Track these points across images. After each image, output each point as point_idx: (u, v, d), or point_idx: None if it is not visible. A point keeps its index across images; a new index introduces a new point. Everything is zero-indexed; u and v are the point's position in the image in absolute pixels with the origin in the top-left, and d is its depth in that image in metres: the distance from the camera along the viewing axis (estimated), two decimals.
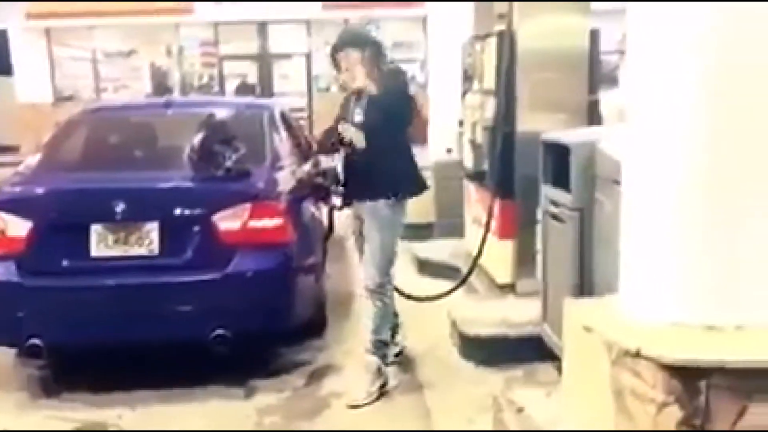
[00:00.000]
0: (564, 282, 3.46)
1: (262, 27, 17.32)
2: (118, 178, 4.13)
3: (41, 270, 3.85)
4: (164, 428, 3.55)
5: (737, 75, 2.14)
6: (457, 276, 5.06)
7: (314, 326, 4.50)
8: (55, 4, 15.61)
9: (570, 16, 4.52)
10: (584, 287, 3.34)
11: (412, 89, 3.96)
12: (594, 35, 4.61)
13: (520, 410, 3.11)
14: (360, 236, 4.02)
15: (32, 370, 4.25)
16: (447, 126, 6.76)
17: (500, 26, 4.68)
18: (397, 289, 4.47)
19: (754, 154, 2.17)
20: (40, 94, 16.08)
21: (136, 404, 3.80)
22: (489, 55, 4.91)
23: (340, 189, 3.94)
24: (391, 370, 4.02)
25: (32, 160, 4.48)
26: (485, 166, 4.99)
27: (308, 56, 17.37)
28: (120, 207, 3.81)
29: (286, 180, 4.30)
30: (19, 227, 3.86)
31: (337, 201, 4.25)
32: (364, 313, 3.95)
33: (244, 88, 15.64)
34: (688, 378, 2.04)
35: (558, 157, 3.56)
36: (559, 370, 3.02)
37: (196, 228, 3.87)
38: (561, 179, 3.52)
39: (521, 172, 4.48)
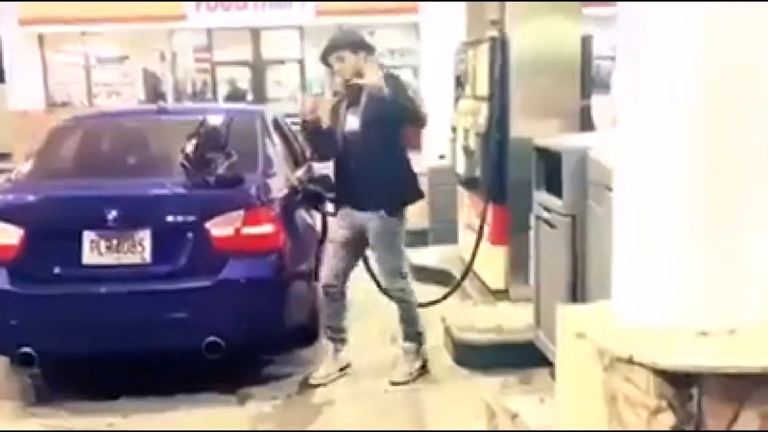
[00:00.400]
0: (557, 288, 3.46)
1: (256, 33, 17.32)
2: (110, 186, 4.11)
3: (33, 278, 3.83)
4: None
5: (729, 79, 2.14)
6: (451, 281, 5.06)
7: (307, 333, 4.49)
8: (48, 10, 15.58)
9: (562, 22, 4.55)
10: (577, 293, 3.34)
11: (412, 92, 4.01)
12: (586, 41, 4.63)
13: (514, 416, 3.11)
14: (345, 245, 4.07)
15: (24, 379, 4.23)
16: (440, 132, 6.77)
17: (492, 32, 4.70)
18: (390, 295, 4.48)
19: (747, 159, 2.18)
20: (32, 101, 16.02)
21: (129, 412, 3.78)
22: (481, 61, 4.93)
23: (332, 196, 4.02)
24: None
25: (24, 167, 4.46)
26: (478, 172, 5.00)
27: (301, 62, 17.37)
28: (112, 214, 3.80)
29: (278, 186, 4.29)
30: (10, 235, 3.84)
31: (330, 207, 4.29)
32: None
33: (235, 94, 15.55)
34: (680, 383, 2.04)
35: (550, 163, 3.57)
36: (553, 375, 3.03)
37: (189, 235, 3.86)
38: (553, 185, 3.53)
39: (514, 177, 4.50)
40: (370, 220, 3.99)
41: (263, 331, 3.95)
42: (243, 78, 17.55)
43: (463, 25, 5.97)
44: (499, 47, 4.55)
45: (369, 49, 4.05)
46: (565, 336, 2.55)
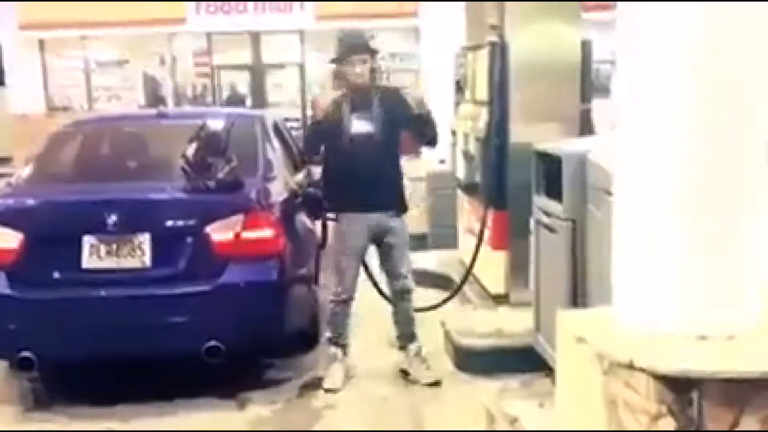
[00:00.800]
0: (557, 292, 3.46)
1: (256, 37, 17.33)
2: (110, 190, 4.11)
3: (33, 282, 3.82)
4: None
5: (728, 84, 2.15)
6: (451, 286, 5.06)
7: (307, 337, 4.49)
8: (49, 15, 15.60)
9: (562, 26, 4.56)
10: (577, 297, 3.34)
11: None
12: (586, 45, 4.64)
13: (513, 421, 3.11)
14: (361, 252, 4.12)
15: (23, 383, 4.22)
16: (440, 136, 6.77)
17: (492, 37, 4.71)
18: (390, 300, 4.48)
19: (747, 165, 2.18)
20: (32, 105, 16.03)
21: (128, 417, 3.77)
22: (481, 65, 4.93)
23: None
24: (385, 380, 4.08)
25: (24, 171, 4.45)
26: (478, 177, 5.00)
27: (301, 66, 17.39)
28: (112, 218, 3.80)
29: (278, 191, 4.29)
30: (10, 239, 3.84)
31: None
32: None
33: (234, 99, 15.51)
34: (680, 388, 2.04)
35: (550, 167, 3.58)
36: (553, 380, 3.02)
37: (189, 239, 3.85)
38: (553, 190, 3.53)
39: (514, 182, 4.50)
40: (392, 221, 4.06)
41: (263, 335, 3.95)
42: (243, 82, 17.58)
43: (463, 30, 5.98)
44: (499, 52, 4.56)
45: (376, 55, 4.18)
46: (565, 341, 2.55)
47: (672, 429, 2.04)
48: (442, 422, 3.66)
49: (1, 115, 15.64)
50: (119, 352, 3.85)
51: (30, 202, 4.15)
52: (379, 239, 4.10)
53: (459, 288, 4.82)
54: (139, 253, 3.84)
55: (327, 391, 4.00)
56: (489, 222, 4.65)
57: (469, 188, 5.32)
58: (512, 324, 4.26)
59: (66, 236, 3.85)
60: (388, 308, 4.51)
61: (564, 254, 3.39)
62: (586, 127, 4.65)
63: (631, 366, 2.12)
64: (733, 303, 2.24)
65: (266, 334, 3.96)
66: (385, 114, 3.99)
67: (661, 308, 2.26)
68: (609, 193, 2.70)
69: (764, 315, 2.23)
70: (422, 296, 5.02)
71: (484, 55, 4.83)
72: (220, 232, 3.83)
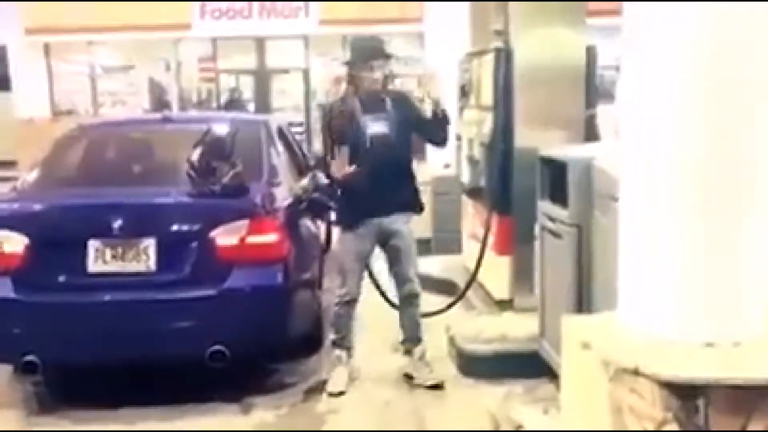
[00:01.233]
0: (562, 298, 3.46)
1: (260, 42, 17.38)
2: (115, 194, 4.11)
3: (38, 286, 3.82)
4: None
5: (732, 89, 2.15)
6: (455, 291, 5.06)
7: (311, 342, 4.48)
8: (54, 20, 15.66)
9: (567, 32, 4.56)
10: (582, 303, 3.34)
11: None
12: (591, 51, 4.64)
13: (518, 426, 3.10)
14: (367, 256, 4.12)
15: (28, 387, 4.22)
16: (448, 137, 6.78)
17: (497, 43, 4.71)
18: (394, 305, 4.48)
19: (753, 169, 2.18)
20: (38, 109, 16.09)
21: (133, 421, 3.77)
22: (486, 71, 4.94)
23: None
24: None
25: (29, 175, 4.46)
26: (483, 182, 5.00)
27: (306, 71, 17.43)
28: (117, 223, 3.80)
29: (283, 196, 4.29)
30: (15, 243, 3.84)
31: (335, 216, 4.30)
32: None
33: (234, 104, 15.46)
34: (686, 395, 2.04)
35: (555, 173, 3.57)
36: (558, 386, 3.01)
37: (194, 244, 3.86)
38: (558, 195, 3.53)
39: (518, 187, 4.50)
40: (400, 224, 4.07)
41: (268, 340, 3.94)
42: (247, 87, 17.63)
43: (468, 35, 5.99)
44: (504, 57, 4.56)
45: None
46: (570, 347, 2.55)
47: None
48: (445, 427, 3.65)
49: (7, 119, 15.69)
50: (124, 357, 3.85)
51: (35, 206, 4.16)
52: (384, 242, 4.10)
53: (463, 293, 4.81)
54: (144, 257, 3.84)
55: (330, 395, 4.00)
56: (493, 227, 4.64)
57: (474, 193, 5.32)
58: (516, 329, 4.25)
59: (71, 240, 3.85)
60: (392, 312, 4.52)
61: (569, 260, 3.39)
62: (590, 133, 4.65)
63: (636, 372, 2.11)
64: (738, 310, 2.24)
65: (271, 339, 3.96)
66: (398, 116, 4.01)
67: (667, 315, 2.26)
68: (615, 199, 2.70)
69: None
70: (426, 301, 4.99)
71: (488, 60, 4.84)
72: (225, 237, 3.83)
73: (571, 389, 2.57)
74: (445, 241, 6.41)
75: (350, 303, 4.11)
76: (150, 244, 3.84)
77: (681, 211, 2.22)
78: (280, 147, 4.87)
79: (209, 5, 16.44)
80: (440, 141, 4.22)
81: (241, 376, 4.08)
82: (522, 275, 4.50)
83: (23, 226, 3.89)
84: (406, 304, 4.19)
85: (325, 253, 5.32)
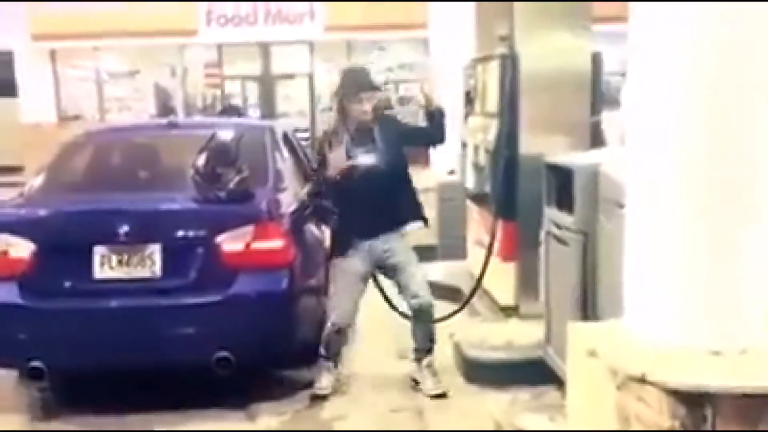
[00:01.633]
0: (568, 305, 3.45)
1: (265, 48, 17.43)
2: (121, 200, 4.12)
3: (44, 292, 3.83)
4: None
5: (738, 95, 2.15)
6: (460, 298, 5.04)
7: (316, 348, 4.47)
8: (60, 26, 15.74)
9: (572, 38, 4.55)
10: (588, 310, 3.33)
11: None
12: (596, 57, 4.64)
13: None
14: (363, 280, 4.12)
15: (34, 393, 4.23)
16: (449, 147, 6.78)
17: (502, 49, 4.71)
18: (400, 312, 4.47)
19: (759, 177, 2.17)
20: (44, 114, 16.16)
21: (138, 427, 3.77)
22: (491, 77, 4.93)
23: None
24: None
25: (36, 181, 4.47)
26: (488, 188, 4.99)
27: (311, 77, 17.47)
28: (123, 228, 3.81)
29: (288, 201, 4.29)
30: (22, 249, 3.85)
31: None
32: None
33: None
34: (694, 403, 2.03)
35: (561, 179, 3.57)
36: (564, 393, 3.00)
37: (199, 250, 3.86)
38: (564, 201, 3.52)
39: (524, 193, 4.49)
40: (393, 241, 4.07)
41: (273, 346, 3.94)
42: (252, 92, 17.68)
43: (473, 41, 5.99)
44: (509, 63, 4.56)
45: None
46: (576, 354, 2.54)
47: None
48: None
49: (14, 124, 15.77)
50: (129, 363, 3.85)
51: (42, 212, 4.16)
52: (381, 263, 4.10)
53: (468, 300, 4.79)
54: (150, 263, 3.84)
55: (316, 396, 4.04)
56: (498, 233, 4.63)
57: (479, 199, 5.32)
58: (522, 336, 4.24)
59: (77, 246, 3.86)
60: (397, 319, 4.51)
61: (575, 266, 3.38)
62: (596, 140, 4.64)
63: (643, 380, 2.11)
64: (745, 318, 2.23)
65: (276, 345, 3.95)
66: (387, 141, 4.03)
67: (673, 322, 2.26)
68: (621, 206, 2.70)
69: None
70: None
71: (494, 66, 4.84)
72: (230, 243, 3.83)
73: (577, 397, 2.56)
74: (450, 248, 6.40)
75: (340, 331, 4.11)
76: (155, 249, 3.84)
77: (687, 218, 2.21)
78: (286, 152, 4.87)
79: (215, 12, 16.50)
80: (438, 141, 4.22)
81: (246, 383, 4.08)
82: (527, 282, 4.49)
83: (30, 232, 3.90)
84: (418, 317, 4.16)
85: (330, 259, 5.31)
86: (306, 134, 15.72)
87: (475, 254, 5.36)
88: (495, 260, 4.67)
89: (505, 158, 4.59)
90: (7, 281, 3.86)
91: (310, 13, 16.53)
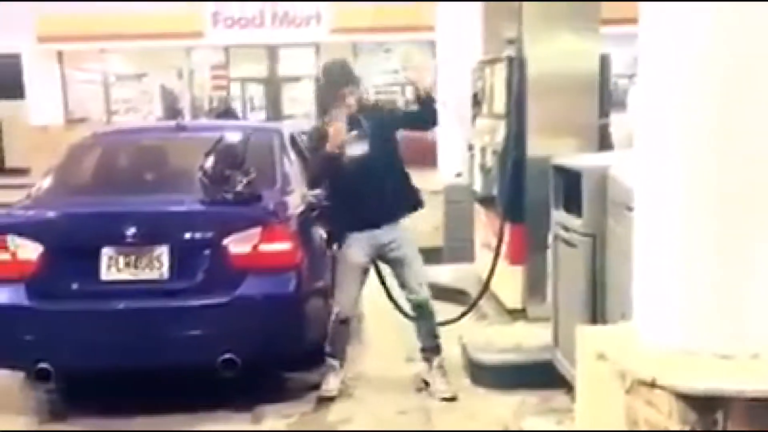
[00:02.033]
0: (576, 308, 3.44)
1: (272, 51, 17.46)
2: (129, 202, 4.13)
3: (51, 293, 3.84)
4: None
5: (750, 99, 2.13)
6: (467, 300, 5.03)
7: (323, 351, 4.46)
8: (67, 28, 15.79)
9: (580, 40, 4.54)
10: (596, 313, 3.31)
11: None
12: (605, 59, 4.62)
13: None
14: (364, 271, 4.12)
15: (41, 394, 4.23)
16: (456, 149, 6.78)
17: (509, 51, 4.70)
18: (406, 314, 4.46)
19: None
20: (51, 117, 16.21)
21: (144, 428, 3.77)
22: (499, 79, 4.93)
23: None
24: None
25: (43, 183, 4.48)
26: (495, 191, 4.98)
27: (317, 79, 17.48)
28: (131, 230, 3.81)
29: (296, 203, 4.29)
30: (30, 250, 3.86)
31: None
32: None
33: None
34: (704, 408, 2.01)
35: (569, 181, 3.56)
36: (572, 396, 2.99)
37: (207, 252, 3.86)
38: (572, 204, 3.51)
39: (531, 196, 4.48)
40: (395, 233, 4.06)
41: (279, 348, 3.93)
42: (257, 95, 17.71)
43: (480, 43, 5.98)
44: (517, 65, 4.55)
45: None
46: (584, 357, 2.53)
47: None
48: None
49: (21, 126, 15.82)
50: (136, 364, 3.85)
51: (49, 214, 4.17)
52: (382, 255, 4.11)
53: (475, 302, 4.78)
54: (157, 265, 3.85)
55: (322, 397, 4.05)
56: (506, 236, 4.62)
57: (486, 201, 5.30)
58: (529, 339, 4.22)
59: (85, 248, 3.87)
60: (406, 321, 4.50)
61: (583, 269, 3.37)
62: (604, 142, 4.62)
63: (653, 384, 2.09)
64: (756, 321, 2.21)
65: (283, 347, 3.95)
66: (375, 128, 4.03)
67: (684, 326, 2.24)
68: (629, 209, 2.68)
69: None
70: (438, 310, 4.99)
71: (501, 68, 4.83)
72: (237, 245, 3.83)
73: (586, 400, 2.55)
74: (457, 250, 6.39)
75: (345, 321, 4.13)
76: (163, 251, 3.85)
77: (697, 221, 2.20)
78: (293, 155, 4.87)
79: (222, 14, 16.54)
80: (429, 123, 4.18)
81: (253, 384, 4.08)
82: (534, 284, 4.47)
83: (38, 234, 3.90)
84: (419, 313, 4.18)
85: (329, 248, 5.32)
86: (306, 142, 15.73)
87: (483, 257, 5.35)
88: (502, 263, 4.66)
89: (512, 160, 4.58)
90: (15, 283, 3.86)
91: (317, 16, 16.54)
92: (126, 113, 17.27)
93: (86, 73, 17.53)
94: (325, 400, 4.07)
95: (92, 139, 5.04)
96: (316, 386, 4.18)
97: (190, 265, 3.84)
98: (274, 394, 4.14)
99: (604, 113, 4.67)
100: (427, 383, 4.12)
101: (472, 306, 4.77)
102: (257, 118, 16.56)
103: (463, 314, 4.70)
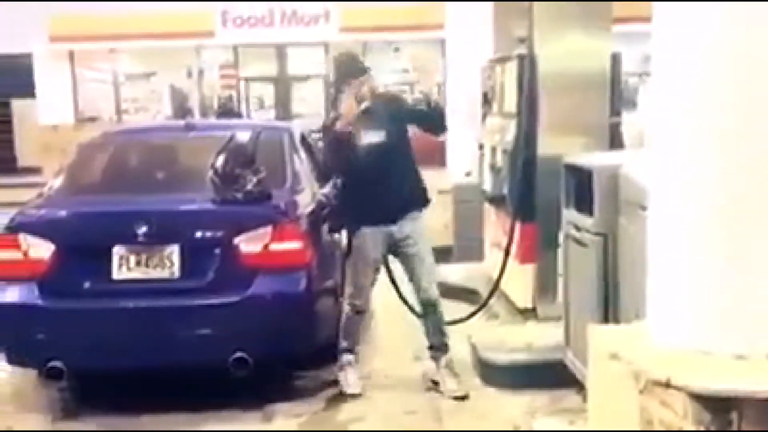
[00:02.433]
0: (587, 307, 3.42)
1: (281, 50, 17.48)
2: (139, 201, 4.14)
3: (63, 292, 3.85)
4: None
5: (766, 97, 2.11)
6: (476, 300, 5.02)
7: (333, 350, 4.46)
8: (79, 28, 15.86)
9: (591, 39, 4.52)
10: (608, 313, 3.30)
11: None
12: (615, 58, 4.60)
13: None
14: (377, 264, 4.12)
15: (52, 392, 4.25)
16: (466, 149, 6.76)
17: (520, 49, 4.69)
18: (417, 314, 4.46)
19: None
20: (61, 116, 16.28)
21: (155, 427, 3.78)
22: (509, 78, 4.91)
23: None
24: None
25: (55, 181, 4.50)
26: (505, 190, 4.97)
27: (326, 78, 17.50)
28: (142, 229, 3.82)
29: (306, 202, 4.29)
30: (41, 249, 3.87)
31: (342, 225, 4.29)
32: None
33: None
34: (719, 409, 2.00)
35: (580, 180, 3.54)
36: (583, 396, 2.98)
37: (217, 251, 3.87)
38: (583, 203, 3.49)
39: (542, 195, 4.47)
40: (409, 228, 4.06)
41: (290, 347, 3.94)
42: (267, 94, 17.74)
43: (490, 42, 5.97)
44: (528, 64, 4.54)
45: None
46: (597, 357, 2.51)
47: None
48: None
49: (32, 125, 15.90)
50: (147, 363, 3.86)
51: (61, 213, 4.19)
52: (395, 249, 4.11)
53: (486, 302, 4.77)
54: (168, 264, 3.85)
55: (353, 396, 4.04)
56: (516, 235, 4.61)
57: (496, 201, 5.29)
58: (540, 338, 4.21)
59: (96, 247, 3.88)
60: (414, 319, 4.49)
61: (595, 269, 3.35)
62: (615, 141, 4.60)
63: (667, 384, 2.08)
64: None
65: (293, 346, 3.95)
66: (390, 119, 4.05)
67: (698, 326, 2.22)
68: (643, 208, 2.67)
69: None
70: (448, 309, 4.98)
71: (512, 67, 4.81)
72: (248, 244, 3.84)
73: (599, 400, 2.53)
74: (466, 249, 6.38)
75: (360, 313, 4.14)
76: (174, 250, 3.85)
77: (712, 221, 2.18)
78: (303, 153, 4.87)
79: (231, 13, 16.56)
80: (438, 126, 4.22)
81: (263, 384, 4.08)
82: (545, 284, 4.46)
83: (49, 233, 3.92)
84: (427, 310, 4.18)
85: (346, 259, 5.31)
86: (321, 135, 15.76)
87: (493, 256, 5.34)
88: (513, 262, 4.65)
89: (523, 159, 4.56)
90: (27, 282, 3.88)
91: (325, 15, 16.55)
92: (135, 113, 17.33)
93: (96, 72, 17.60)
94: (337, 399, 4.06)
95: (103, 139, 5.06)
96: (328, 385, 4.18)
97: (201, 264, 3.85)
98: (285, 393, 4.14)
99: (615, 112, 4.65)
100: (435, 383, 4.11)
101: (483, 305, 4.76)
102: (265, 117, 16.59)
103: (473, 313, 4.70)
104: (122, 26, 15.72)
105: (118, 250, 3.86)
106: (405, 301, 4.57)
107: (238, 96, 17.45)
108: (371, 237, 4.05)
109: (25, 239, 3.90)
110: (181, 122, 5.46)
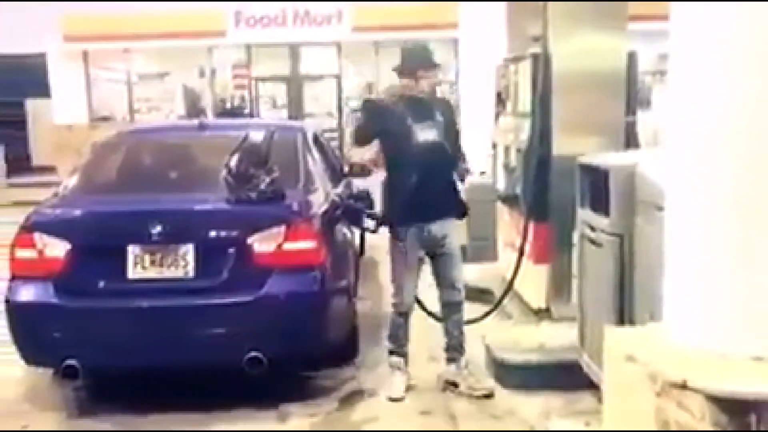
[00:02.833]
0: (602, 308, 3.40)
1: (294, 49, 17.51)
2: (154, 200, 4.15)
3: (78, 291, 3.87)
4: None
5: None
6: (490, 300, 5.01)
7: (347, 349, 4.47)
8: (92, 28, 15.95)
9: (607, 37, 4.49)
10: (624, 314, 3.28)
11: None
12: (631, 57, 4.57)
13: None
14: (419, 264, 4.11)
15: (68, 391, 4.28)
16: (479, 148, 6.74)
17: (534, 48, 4.67)
18: (431, 314, 4.45)
19: None
20: (76, 115, 16.38)
21: (169, 426, 3.79)
22: (523, 77, 4.89)
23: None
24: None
25: (69, 181, 4.53)
26: (519, 189, 4.95)
27: (338, 78, 17.50)
28: (156, 229, 3.83)
29: (319, 202, 4.30)
30: (57, 248, 3.89)
31: (370, 223, 4.28)
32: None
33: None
34: (736, 411, 1.98)
35: (595, 180, 3.52)
36: (598, 398, 2.96)
37: (231, 250, 3.87)
38: (599, 203, 3.47)
39: (556, 194, 4.45)
40: (448, 230, 4.08)
41: (304, 346, 3.94)
42: (280, 93, 17.78)
43: (504, 42, 5.95)
44: (543, 63, 4.52)
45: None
46: (613, 359, 2.50)
47: None
48: None
49: (46, 125, 16.01)
50: (162, 362, 3.87)
51: (76, 212, 4.22)
52: (433, 249, 4.08)
53: (500, 302, 4.76)
54: (183, 263, 3.86)
55: (392, 399, 4.02)
56: (530, 235, 4.59)
57: (510, 200, 5.28)
58: (554, 339, 4.19)
59: (111, 246, 3.90)
60: (429, 321, 4.48)
61: (610, 269, 3.33)
62: (630, 140, 4.58)
63: (684, 386, 2.06)
64: None
65: (307, 346, 3.95)
66: (445, 123, 4.07)
67: (715, 327, 2.21)
68: (659, 209, 2.65)
69: None
70: None
71: (526, 66, 4.79)
72: (262, 243, 3.84)
73: (615, 402, 2.52)
74: (479, 249, 6.36)
75: (405, 314, 4.12)
76: (188, 250, 3.86)
77: (729, 222, 2.17)
78: (316, 153, 4.88)
79: (244, 13, 16.60)
80: (456, 167, 4.19)
81: (278, 383, 4.08)
82: (559, 284, 4.45)
83: (64, 232, 3.94)
84: (451, 311, 4.15)
85: (360, 258, 5.32)
86: (334, 134, 15.78)
87: (506, 256, 5.32)
88: (527, 262, 4.63)
89: (537, 158, 4.54)
90: (43, 280, 3.90)
91: (338, 14, 16.56)
92: (148, 112, 17.41)
93: (110, 72, 17.69)
94: (350, 399, 4.06)
95: (117, 138, 5.08)
96: (341, 384, 4.17)
97: (215, 263, 3.86)
98: (298, 392, 4.15)
99: (630, 111, 4.63)
100: (454, 384, 4.09)
101: (497, 305, 4.75)
102: (278, 116, 16.63)
103: (487, 313, 4.68)
104: (136, 26, 15.79)
105: (132, 250, 3.87)
106: (423, 307, 4.54)
107: (250, 95, 17.51)
108: (416, 235, 4.02)
109: (40, 238, 3.92)
110: (195, 122, 5.48)
